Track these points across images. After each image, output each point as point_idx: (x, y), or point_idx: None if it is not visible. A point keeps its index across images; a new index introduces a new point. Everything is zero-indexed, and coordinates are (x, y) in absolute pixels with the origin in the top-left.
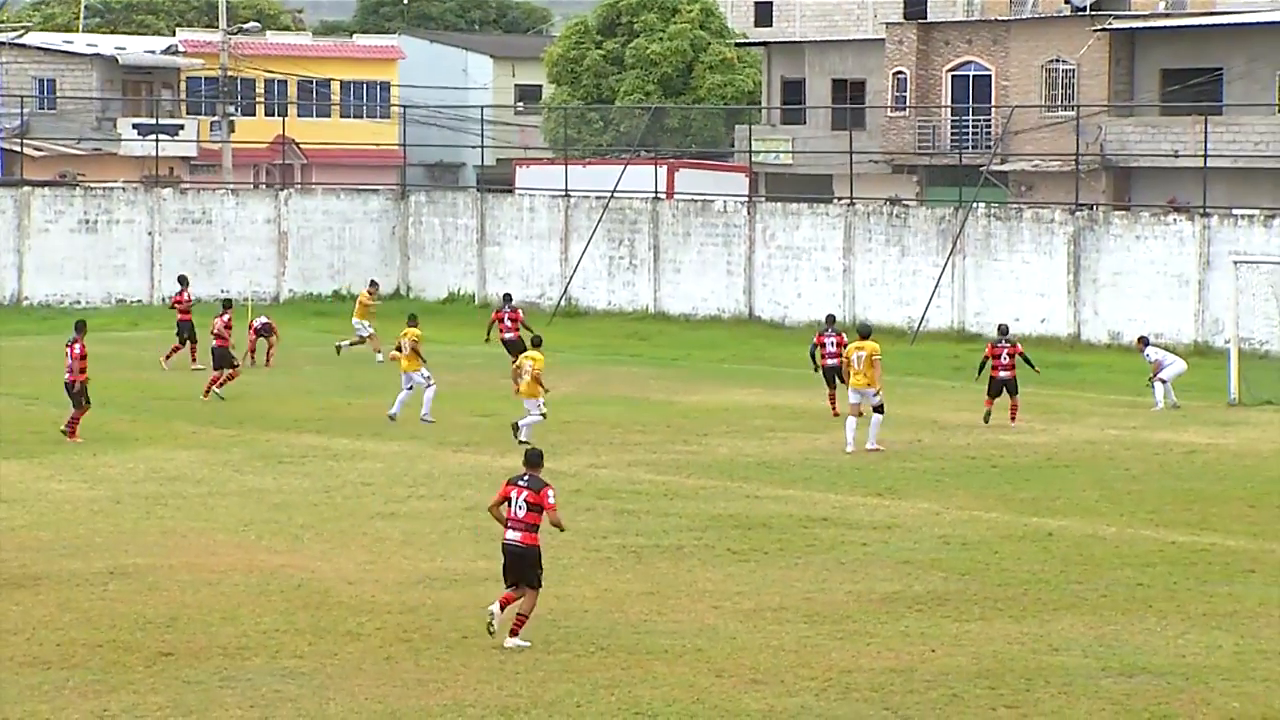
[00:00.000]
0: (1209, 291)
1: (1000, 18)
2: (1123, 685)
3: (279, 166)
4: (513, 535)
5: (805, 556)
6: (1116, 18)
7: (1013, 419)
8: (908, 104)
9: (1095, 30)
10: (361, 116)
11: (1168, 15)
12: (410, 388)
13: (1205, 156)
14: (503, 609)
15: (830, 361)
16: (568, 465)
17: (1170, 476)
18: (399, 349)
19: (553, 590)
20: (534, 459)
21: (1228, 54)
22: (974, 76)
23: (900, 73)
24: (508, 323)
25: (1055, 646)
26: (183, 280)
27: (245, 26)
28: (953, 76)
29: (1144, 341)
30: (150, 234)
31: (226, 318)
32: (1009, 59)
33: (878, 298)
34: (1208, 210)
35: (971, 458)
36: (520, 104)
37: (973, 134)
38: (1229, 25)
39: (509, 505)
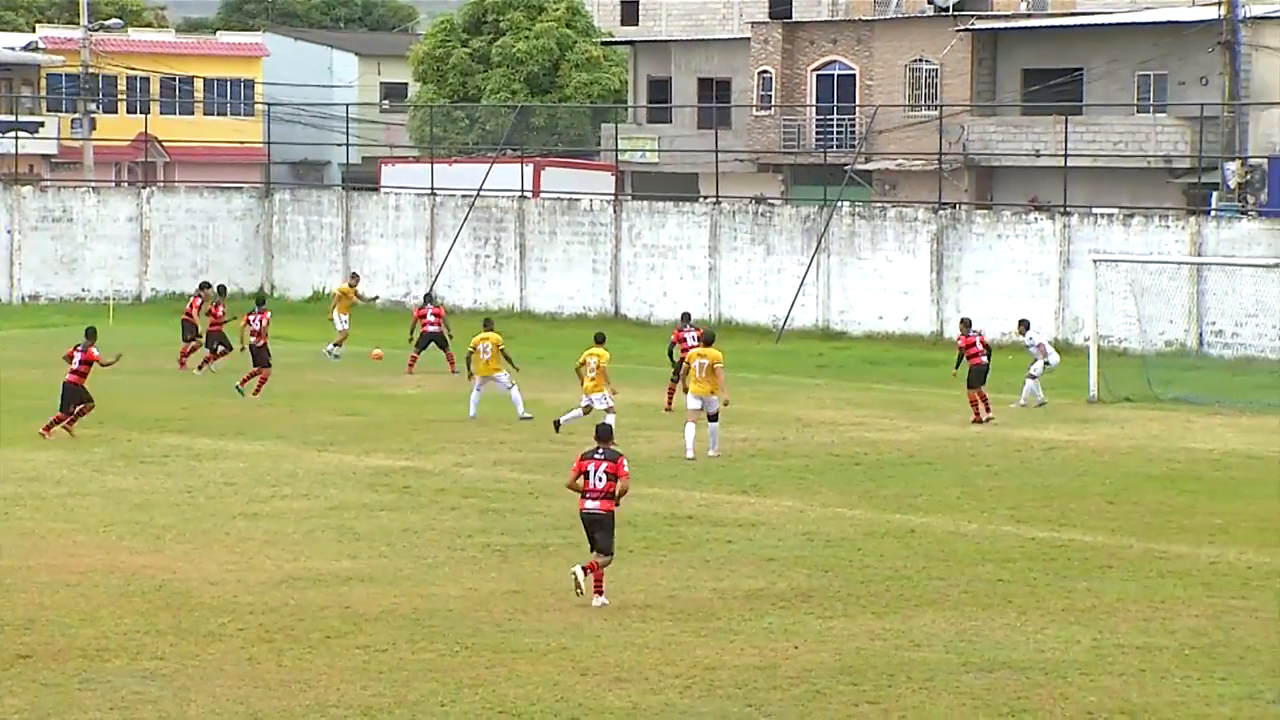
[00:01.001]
0: (1069, 290)
1: (864, 18)
2: (983, 680)
3: (141, 164)
4: (592, 504)
5: (670, 554)
6: (979, 18)
7: (988, 410)
8: (773, 103)
9: (958, 30)
10: (225, 114)
11: (1029, 16)
12: (481, 390)
13: (1066, 156)
14: (587, 573)
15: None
16: (433, 464)
17: (1031, 473)
18: (475, 351)
19: (417, 589)
20: (604, 433)
21: (1088, 55)
22: (838, 76)
23: (765, 72)
24: (430, 318)
25: (917, 642)
26: (221, 290)
27: (107, 23)
28: (817, 76)
29: (1025, 325)
30: (10, 232)
31: (266, 317)
32: (873, 59)
33: (743, 296)
34: (1068, 209)
35: (835, 455)
36: (386, 102)
37: (837, 133)
38: (1089, 26)
39: (588, 478)
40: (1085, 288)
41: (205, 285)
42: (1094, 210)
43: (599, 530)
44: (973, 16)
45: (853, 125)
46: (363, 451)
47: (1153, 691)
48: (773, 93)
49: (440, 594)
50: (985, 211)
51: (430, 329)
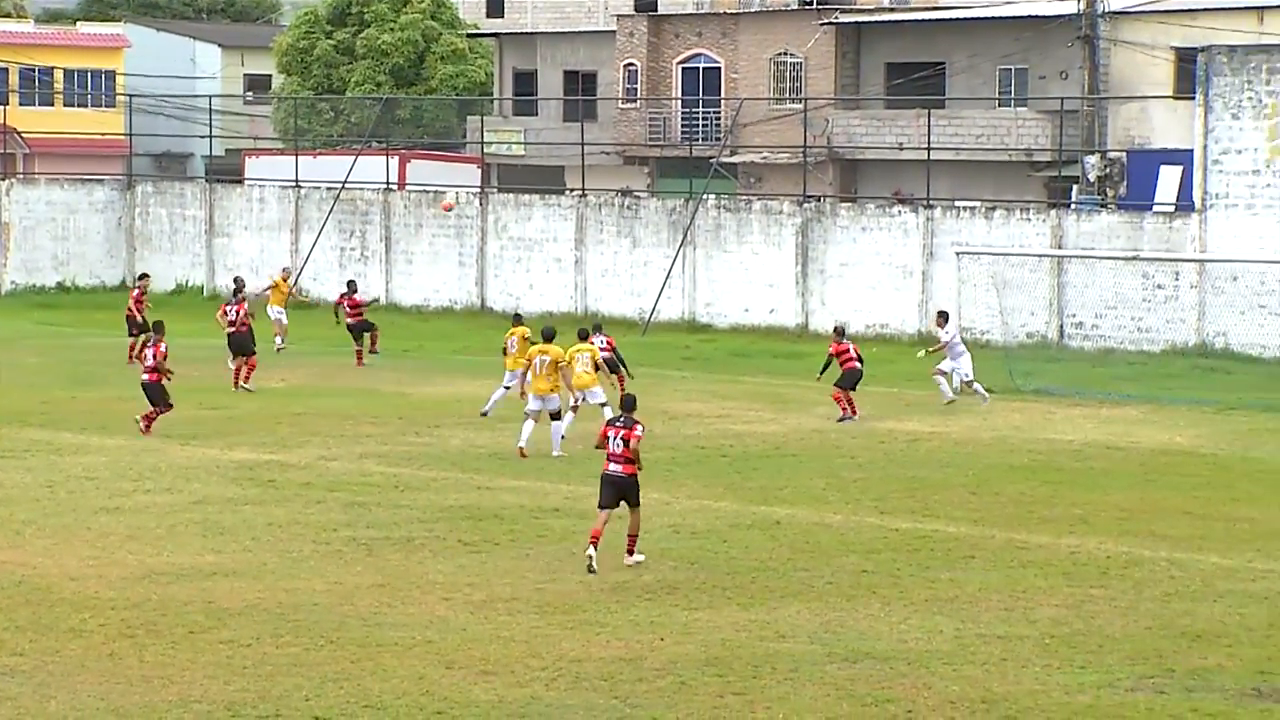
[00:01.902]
0: (932, 282)
1: (729, 11)
2: (847, 671)
3: (0, 156)
4: (615, 468)
5: (537, 547)
6: (842, 12)
7: (854, 410)
8: (638, 96)
9: (822, 24)
10: (86, 105)
11: (892, 10)
12: (509, 387)
13: (929, 149)
14: (595, 546)
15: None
16: (298, 458)
17: (895, 465)
18: (506, 349)
19: (281, 584)
20: (629, 404)
21: (950, 49)
22: (704, 69)
23: (631, 65)
24: (347, 309)
25: (782, 633)
26: (239, 284)
27: None
28: (683, 69)
29: (945, 317)
30: None
31: (244, 307)
32: (738, 52)
33: (609, 289)
34: (931, 202)
35: (701, 447)
36: (249, 94)
37: (703, 126)
38: (952, 20)
39: (608, 443)
40: (948, 280)
41: (144, 276)
42: (957, 203)
43: (625, 491)
44: (836, 10)
45: (718, 118)
46: (227, 445)
47: (1014, 680)
48: (638, 86)
49: (305, 588)
50: (850, 204)
51: (350, 320)
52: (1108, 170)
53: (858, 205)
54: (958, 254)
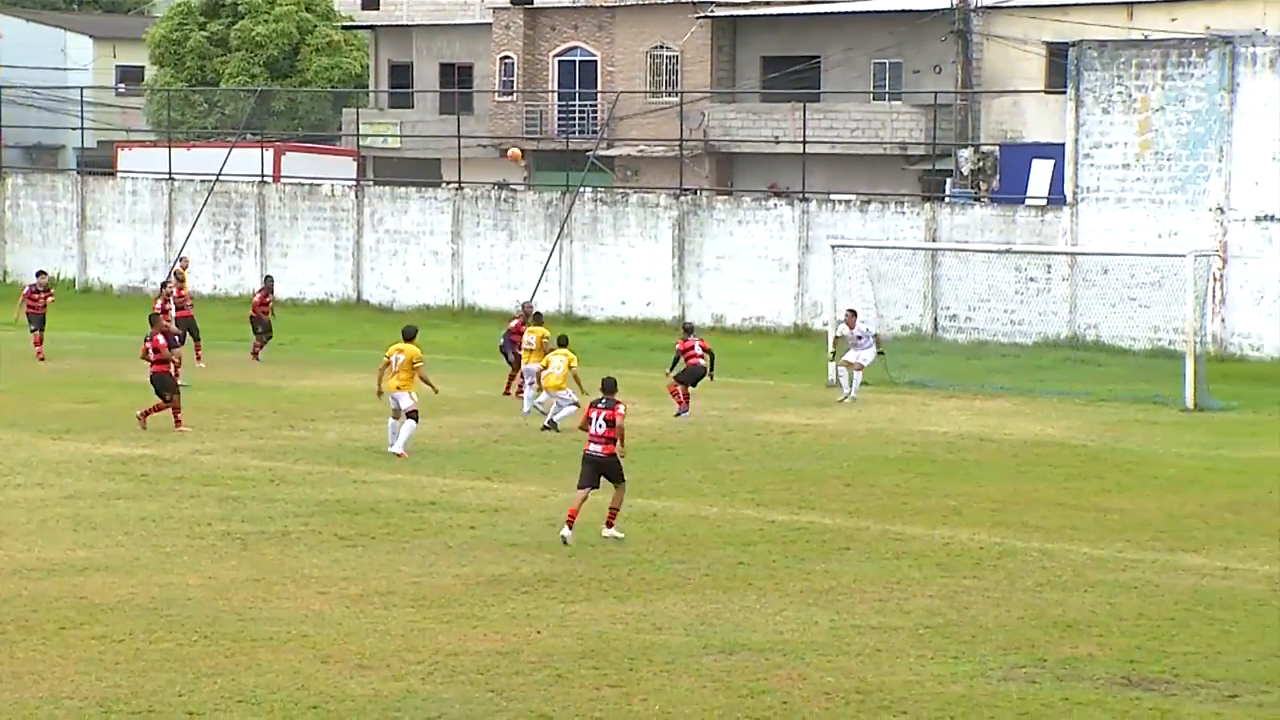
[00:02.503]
0: (808, 275)
1: (605, 4)
2: (723, 662)
3: None
4: (595, 448)
5: (413, 541)
6: (718, 5)
7: (686, 403)
8: (515, 89)
9: (698, 17)
10: None
11: (768, 4)
12: (532, 383)
13: (804, 143)
14: (570, 525)
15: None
16: (171, 451)
17: (771, 457)
18: (529, 349)
19: (154, 579)
20: (609, 386)
21: (825, 42)
22: (580, 62)
23: (507, 57)
24: (256, 303)
25: (658, 625)
26: (269, 282)
27: None
28: (559, 61)
29: (854, 315)
30: None
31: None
32: (614, 45)
33: (486, 282)
34: (807, 195)
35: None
36: (122, 85)
37: (579, 119)
38: (827, 14)
39: (590, 424)
40: (824, 273)
41: (41, 273)
42: (832, 197)
43: (603, 468)
44: (712, 3)
45: (595, 111)
46: (99, 439)
47: (888, 671)
48: (515, 78)
49: (179, 583)
50: (726, 198)
51: (262, 314)
52: (981, 164)
53: (734, 198)
54: (833, 247)
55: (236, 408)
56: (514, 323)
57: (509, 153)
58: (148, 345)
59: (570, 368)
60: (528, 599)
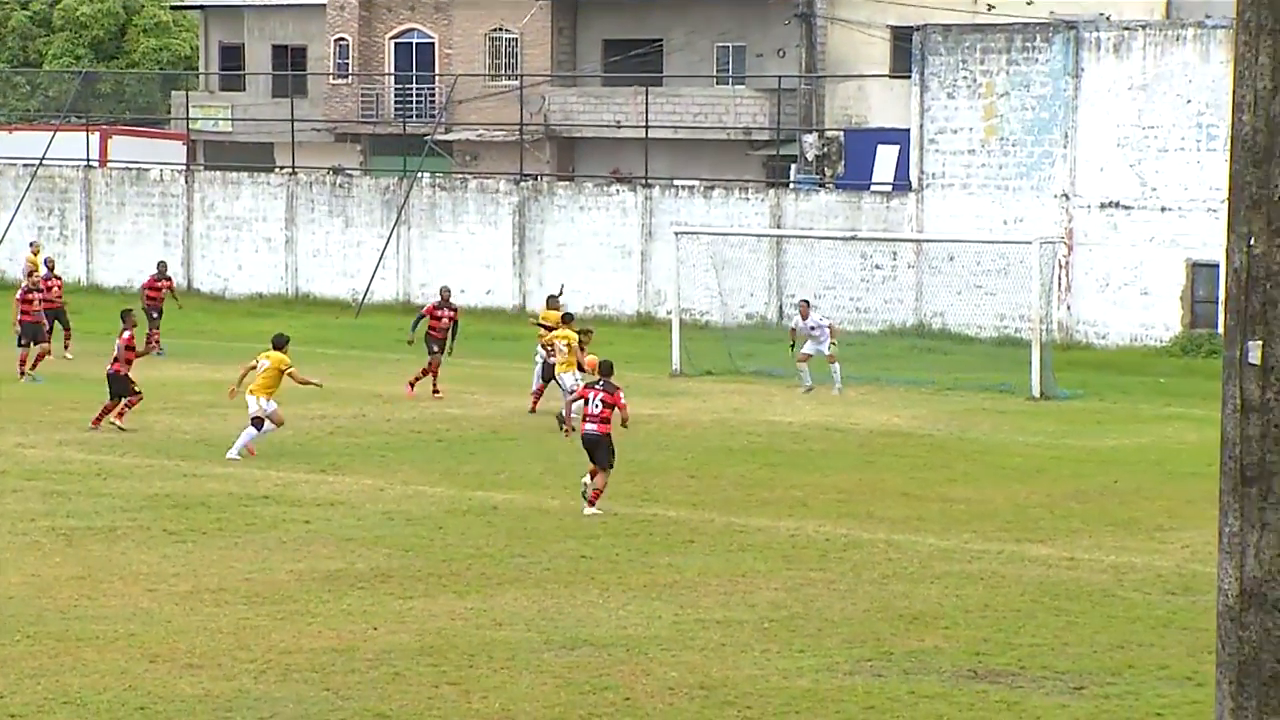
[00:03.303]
0: (651, 262)
1: None
2: (565, 658)
3: None
4: (591, 427)
5: (245, 536)
6: None
7: (422, 380)
8: (350, 72)
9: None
10: None
11: None
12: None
13: (647, 127)
14: (594, 477)
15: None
16: None
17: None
18: (552, 347)
19: None
20: (607, 369)
21: (668, 25)
22: (417, 44)
23: (342, 39)
24: (149, 293)
25: (499, 621)
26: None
27: None
28: (395, 44)
29: (808, 306)
30: None
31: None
32: (452, 27)
33: (321, 270)
34: (649, 181)
35: (416, 431)
36: None
37: (417, 103)
38: None
39: (586, 404)
40: (667, 260)
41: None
42: (675, 182)
43: (598, 449)
44: None
45: (432, 95)
46: None
47: (733, 665)
48: (350, 61)
49: (1, 581)
50: (567, 183)
51: (154, 303)
52: (825, 149)
53: (575, 184)
54: (676, 234)
55: (61, 400)
56: (429, 306)
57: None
58: (118, 342)
59: (571, 347)
60: (364, 595)
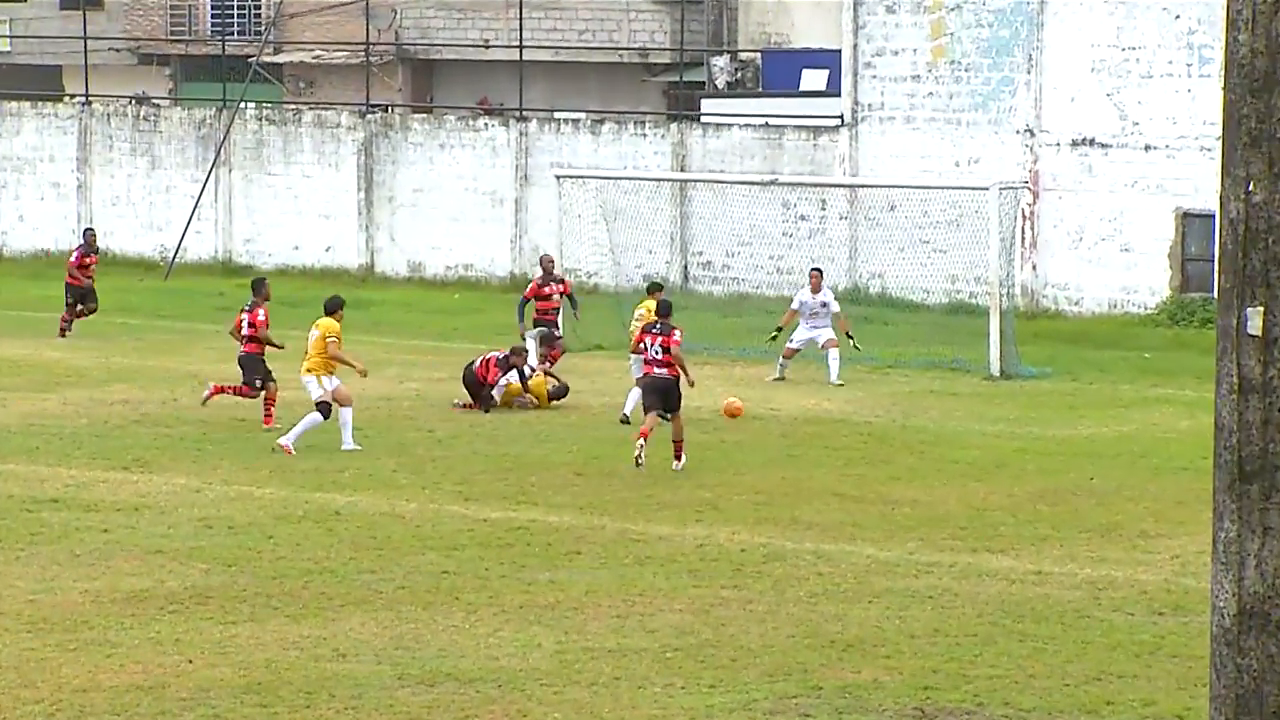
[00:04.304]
0: (527, 213)
1: None
2: (423, 696)
3: None
4: (661, 371)
5: (30, 548)
6: None
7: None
8: None
9: None
10: None
11: None
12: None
13: (521, 48)
14: (645, 440)
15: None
16: None
17: (483, 440)
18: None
19: None
20: (665, 309)
21: None
22: None
23: None
24: (76, 270)
25: (342, 651)
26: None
27: None
28: None
29: (820, 276)
30: None
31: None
32: None
33: (122, 221)
34: (525, 113)
35: (241, 420)
36: None
37: (239, 18)
38: None
39: (646, 349)
40: (547, 210)
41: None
42: (556, 115)
43: (665, 392)
44: None
45: (258, 8)
46: None
47: (628, 704)
48: None
49: None
50: (424, 115)
51: (80, 282)
52: (739, 75)
53: (435, 117)
54: (558, 177)
55: None
56: (532, 284)
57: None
58: (244, 316)
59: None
60: (177, 620)
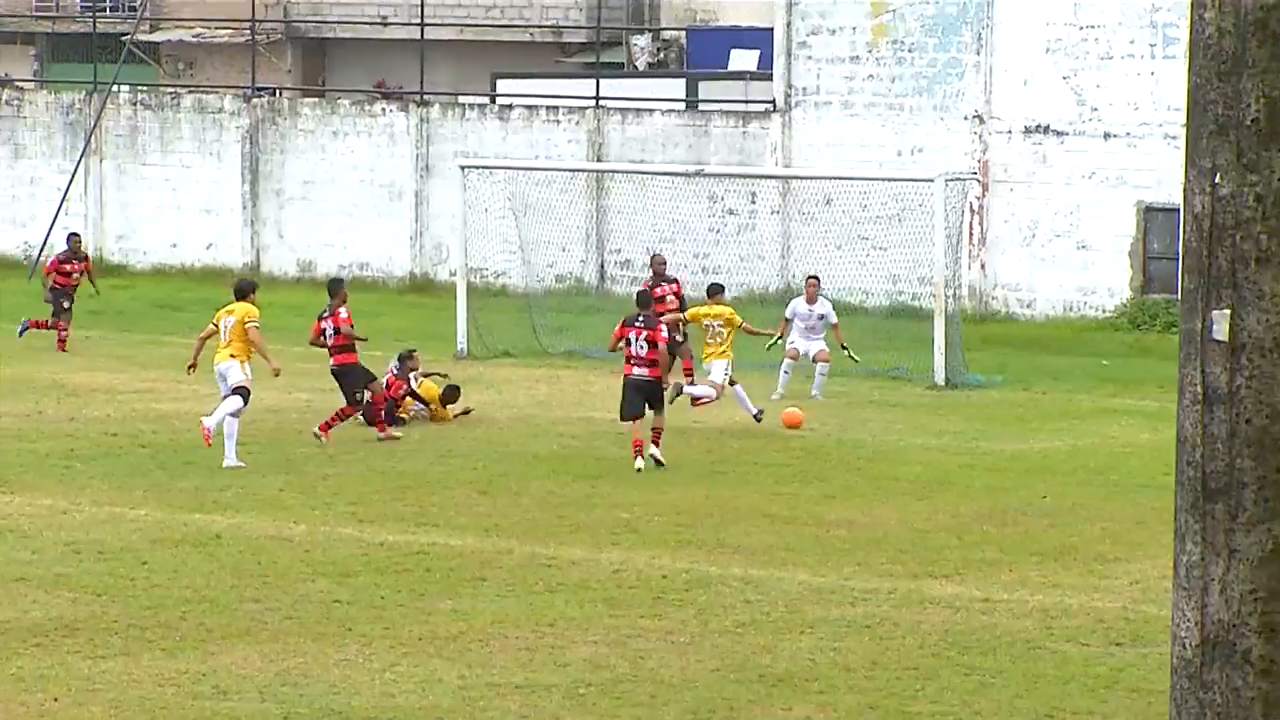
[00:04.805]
0: (429, 207)
1: None
2: None
3: None
4: (641, 371)
5: None
6: None
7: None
8: None
9: None
10: None
11: None
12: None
13: (423, 25)
14: (641, 455)
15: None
16: None
17: (379, 457)
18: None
19: None
20: (644, 300)
21: None
22: None
23: None
24: (61, 275)
25: (223, 688)
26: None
27: None
28: None
29: (817, 284)
30: None
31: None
32: None
33: None
34: (427, 97)
35: (112, 435)
36: None
37: None
38: None
39: (630, 345)
40: (450, 204)
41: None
42: (461, 99)
43: (651, 396)
44: None
45: None
46: None
47: None
48: None
49: None
50: (316, 100)
51: (64, 284)
52: (662, 55)
53: (327, 101)
54: (462, 168)
55: None
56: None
57: None
58: (325, 323)
59: (737, 325)
60: (41, 654)
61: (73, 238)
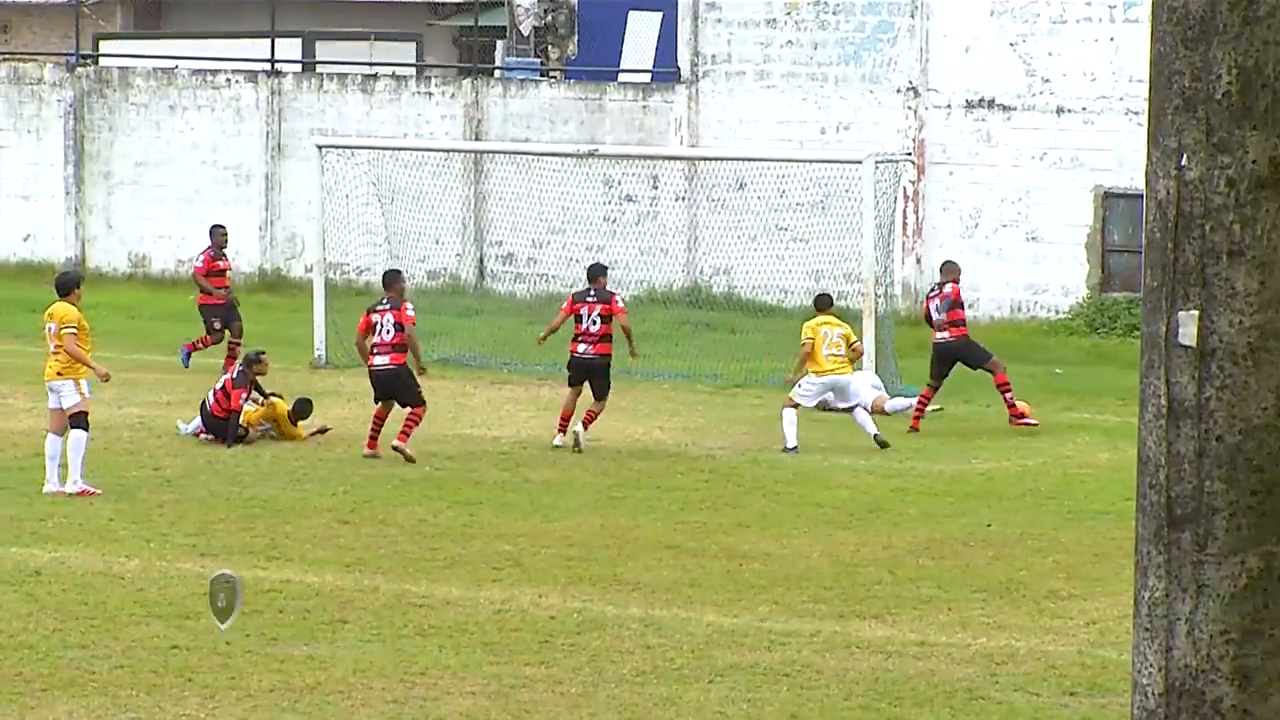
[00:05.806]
0: (281, 192)
1: None
2: None
3: None
4: (585, 348)
5: None
6: None
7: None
8: None
9: None
10: None
11: None
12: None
13: None
14: (562, 428)
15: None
16: None
17: (225, 480)
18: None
19: None
20: (596, 271)
21: None
22: None
23: None
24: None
25: None
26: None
27: None
28: None
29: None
30: None
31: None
32: None
33: None
34: (278, 66)
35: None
36: None
37: None
38: None
39: (580, 321)
40: (306, 189)
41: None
42: (319, 68)
43: (595, 376)
44: None
45: None
46: None
47: None
48: None
49: None
50: (151, 69)
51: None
52: (550, 19)
53: (163, 72)
54: (320, 147)
55: None
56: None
57: None
58: (383, 319)
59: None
60: None
61: (219, 231)
